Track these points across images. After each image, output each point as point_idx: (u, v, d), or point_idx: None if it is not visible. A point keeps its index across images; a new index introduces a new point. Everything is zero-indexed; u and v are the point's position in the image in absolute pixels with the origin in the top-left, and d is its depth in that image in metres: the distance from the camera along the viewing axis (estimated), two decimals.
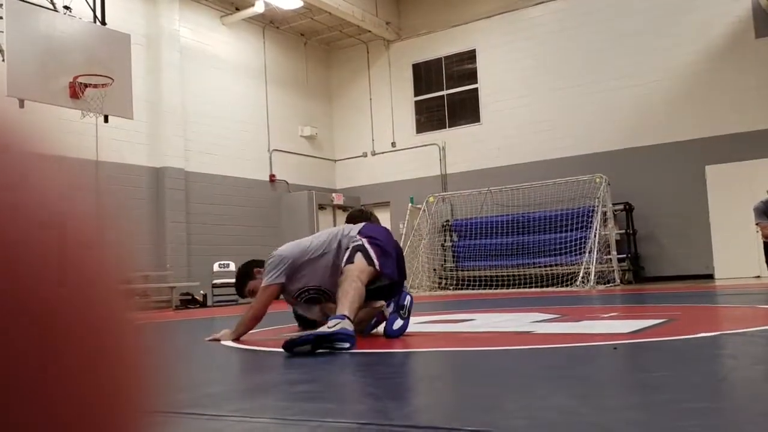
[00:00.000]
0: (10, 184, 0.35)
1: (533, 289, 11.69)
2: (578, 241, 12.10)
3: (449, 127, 15.45)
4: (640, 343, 3.05)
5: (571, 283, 11.50)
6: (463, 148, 15.07)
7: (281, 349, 3.38)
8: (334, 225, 15.72)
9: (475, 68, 15.18)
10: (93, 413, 0.36)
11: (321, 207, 14.99)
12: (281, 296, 4.41)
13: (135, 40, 10.32)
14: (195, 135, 13.15)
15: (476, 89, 15.14)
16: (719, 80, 12.40)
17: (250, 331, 4.44)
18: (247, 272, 4.61)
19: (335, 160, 16.75)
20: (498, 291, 11.99)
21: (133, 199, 11.59)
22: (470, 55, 15.27)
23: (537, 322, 4.45)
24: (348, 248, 4.15)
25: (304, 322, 4.78)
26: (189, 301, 12.11)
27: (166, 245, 12.18)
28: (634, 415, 1.60)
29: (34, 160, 0.38)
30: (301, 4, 13.55)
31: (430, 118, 15.81)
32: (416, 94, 15.99)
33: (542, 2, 14.27)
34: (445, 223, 14.50)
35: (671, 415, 1.56)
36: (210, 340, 4.26)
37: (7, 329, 0.32)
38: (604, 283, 11.57)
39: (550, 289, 11.53)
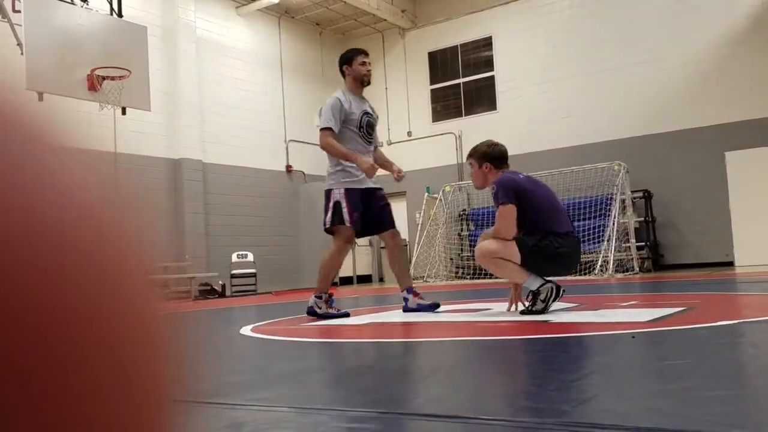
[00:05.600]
0: (35, 176, 0.36)
1: (551, 278, 11.63)
2: (597, 229, 12.02)
3: (466, 115, 15.38)
4: (659, 331, 3.04)
5: (589, 272, 11.43)
6: (480, 136, 14.81)
7: (299, 339, 3.41)
8: None
9: (492, 55, 15.09)
10: (120, 403, 0.37)
11: None
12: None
13: (151, 32, 10.37)
14: (212, 126, 13.21)
15: (493, 77, 15.05)
16: (739, 65, 12.22)
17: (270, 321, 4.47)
18: None
19: None
20: None
21: (151, 190, 11.65)
22: (486, 43, 15.17)
23: (555, 310, 4.43)
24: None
25: None
26: (208, 292, 12.20)
27: (184, 236, 12.27)
28: (653, 403, 1.60)
29: (58, 152, 0.39)
30: None
31: (446, 106, 15.74)
32: (432, 82, 15.92)
33: None
34: (461, 212, 14.47)
35: (690, 403, 1.56)
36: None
37: (30, 323, 0.33)
38: (623, 272, 11.50)
39: (568, 277, 11.46)
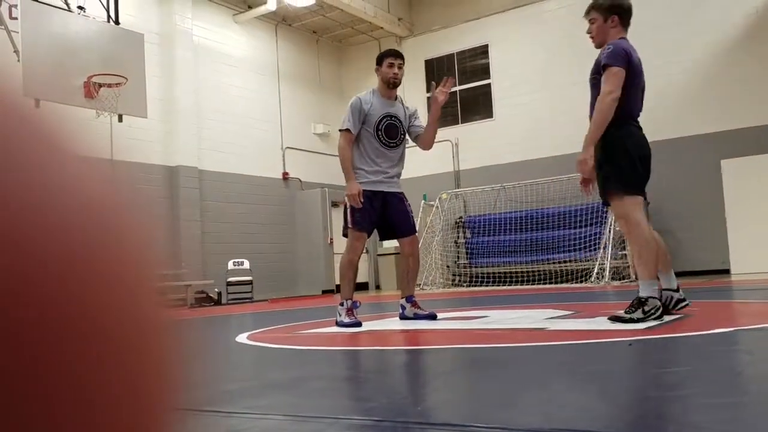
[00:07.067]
0: (52, 181, 0.36)
1: (547, 286, 11.65)
2: (592, 237, 12.03)
3: (462, 123, 15.41)
4: (656, 339, 3.04)
5: (585, 279, 11.45)
6: (476, 144, 15.03)
7: (295, 347, 3.40)
8: None
9: (488, 63, 15.13)
10: (125, 407, 0.37)
11: (334, 204, 15.00)
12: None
13: (148, 39, 10.37)
14: (208, 133, 13.21)
15: (489, 85, 15.09)
16: (735, 73, 12.27)
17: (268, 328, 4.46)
18: None
19: None
20: (511, 287, 11.96)
21: (147, 197, 11.65)
22: (483, 51, 15.21)
23: (551, 318, 4.44)
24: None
25: None
26: (204, 299, 12.17)
27: (180, 243, 12.25)
28: (650, 411, 1.60)
29: (76, 159, 0.39)
30: (314, 1, 13.55)
31: (442, 114, 15.61)
32: (429, 90, 15.92)
33: None
34: (458, 220, 14.47)
35: (687, 411, 1.56)
36: None
37: (35, 325, 0.33)
38: (619, 279, 11.50)
39: (564, 285, 11.49)
